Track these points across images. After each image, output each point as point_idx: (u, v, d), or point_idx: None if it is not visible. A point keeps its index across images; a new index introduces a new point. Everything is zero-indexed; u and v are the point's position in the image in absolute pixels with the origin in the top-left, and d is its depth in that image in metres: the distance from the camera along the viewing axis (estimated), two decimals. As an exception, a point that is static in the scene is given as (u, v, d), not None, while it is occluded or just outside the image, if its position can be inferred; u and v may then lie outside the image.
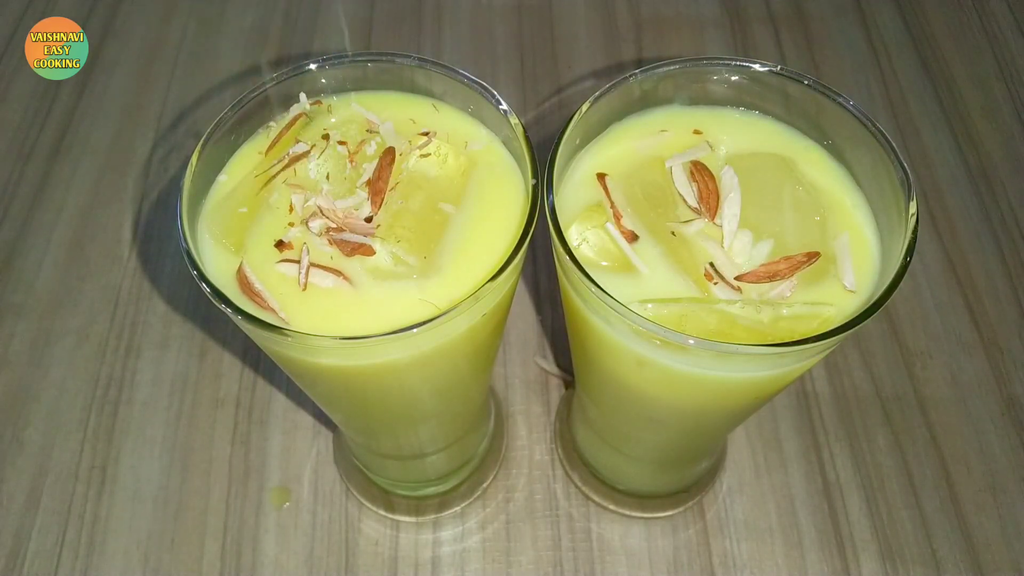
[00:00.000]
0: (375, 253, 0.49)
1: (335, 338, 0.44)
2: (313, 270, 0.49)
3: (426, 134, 0.54)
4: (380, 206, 0.51)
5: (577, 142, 0.55)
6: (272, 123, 0.57)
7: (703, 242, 0.50)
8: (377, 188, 0.51)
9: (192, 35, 1.14)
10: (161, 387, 0.84)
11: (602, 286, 0.45)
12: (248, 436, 0.81)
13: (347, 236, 0.49)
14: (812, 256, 0.49)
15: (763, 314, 0.47)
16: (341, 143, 0.54)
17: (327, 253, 0.50)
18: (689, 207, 0.52)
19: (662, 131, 0.57)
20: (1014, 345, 0.86)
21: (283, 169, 0.53)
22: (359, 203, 0.51)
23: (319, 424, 0.82)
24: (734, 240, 0.50)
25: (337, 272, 0.49)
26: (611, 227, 0.51)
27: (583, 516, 0.77)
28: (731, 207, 0.51)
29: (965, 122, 1.04)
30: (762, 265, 0.49)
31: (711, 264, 0.49)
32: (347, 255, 0.49)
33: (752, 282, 0.48)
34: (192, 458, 0.79)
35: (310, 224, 0.50)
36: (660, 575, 0.74)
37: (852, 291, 0.49)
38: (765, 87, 0.56)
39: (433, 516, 0.77)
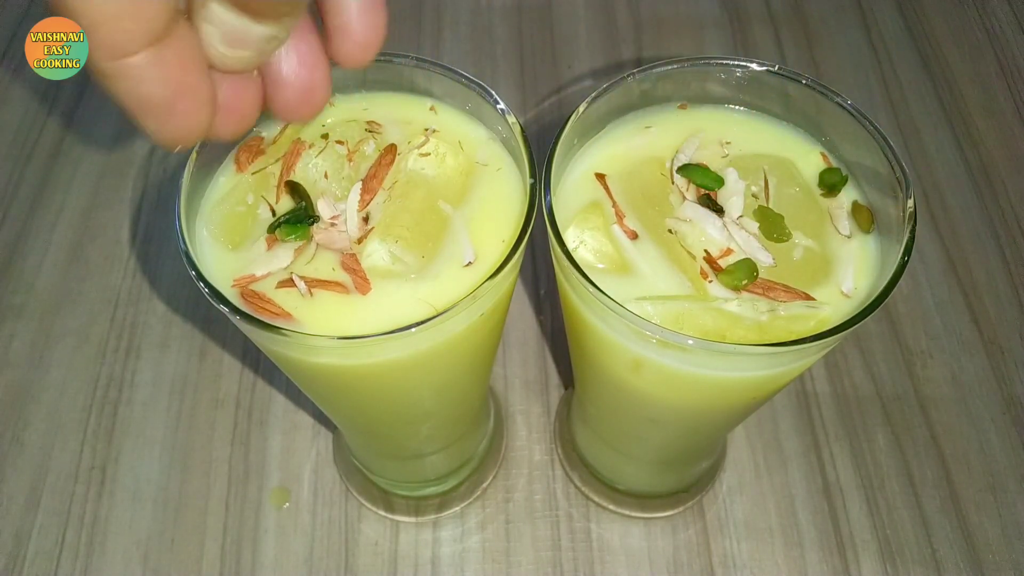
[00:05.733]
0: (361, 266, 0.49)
1: (333, 338, 0.44)
2: (316, 288, 0.49)
3: (425, 131, 0.55)
4: (368, 204, 0.51)
5: (575, 142, 0.55)
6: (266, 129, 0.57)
7: (701, 240, 0.50)
8: (370, 187, 0.51)
9: (192, 36, 1.14)
10: (161, 387, 0.84)
11: (600, 286, 0.45)
12: (248, 436, 0.81)
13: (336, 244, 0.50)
14: (811, 298, 0.49)
15: (759, 313, 0.47)
16: (339, 142, 0.54)
17: (328, 261, 0.50)
18: (688, 206, 0.52)
19: (647, 127, 0.57)
20: (1015, 344, 0.86)
21: (282, 168, 0.53)
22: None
23: (319, 424, 0.82)
24: (732, 241, 0.50)
25: (339, 286, 0.49)
26: (616, 228, 0.51)
27: (583, 516, 0.77)
28: (733, 208, 0.51)
29: (965, 121, 1.03)
30: (761, 279, 0.49)
31: (707, 261, 0.49)
32: (344, 269, 0.50)
33: (748, 290, 0.48)
34: (192, 458, 0.79)
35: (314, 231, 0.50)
36: (660, 575, 0.74)
37: (848, 296, 0.49)
38: (764, 86, 0.56)
39: (433, 516, 0.77)
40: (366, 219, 0.51)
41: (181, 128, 0.32)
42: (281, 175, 0.53)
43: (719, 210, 0.51)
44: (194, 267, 0.47)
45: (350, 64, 0.36)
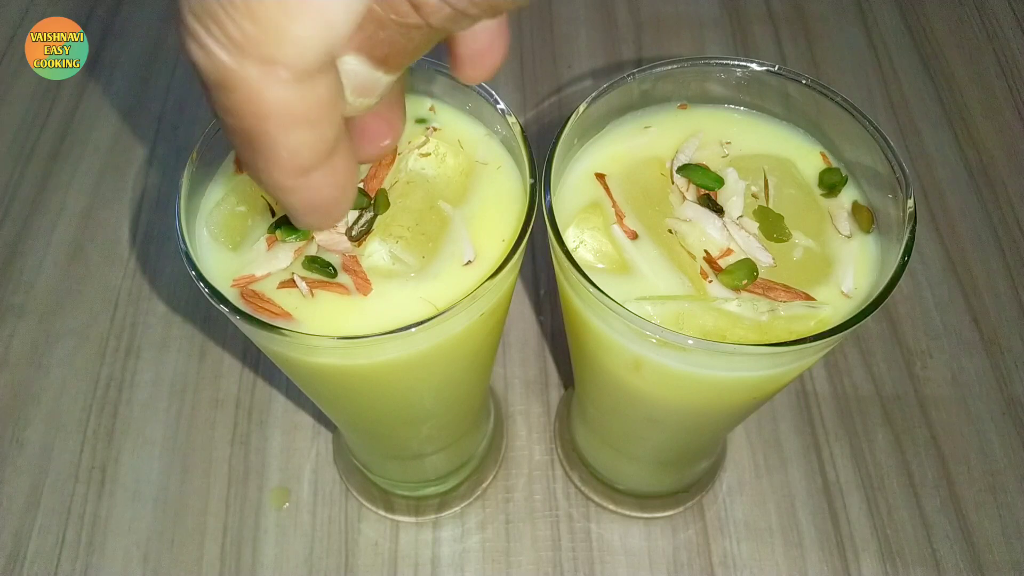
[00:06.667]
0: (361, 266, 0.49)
1: (333, 338, 0.44)
2: (317, 289, 0.49)
3: (425, 128, 0.55)
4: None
5: (575, 142, 0.55)
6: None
7: (701, 240, 0.50)
8: (370, 188, 0.51)
9: (192, 36, 1.14)
10: (161, 388, 0.84)
11: (600, 286, 0.45)
12: (248, 436, 0.81)
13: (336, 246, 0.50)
14: (811, 298, 0.49)
15: (759, 313, 0.47)
16: (339, 143, 0.54)
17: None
18: (688, 207, 0.52)
19: (646, 127, 0.57)
20: (1015, 344, 0.86)
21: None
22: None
23: (319, 424, 0.82)
24: (732, 241, 0.50)
25: (340, 287, 0.49)
26: (616, 228, 0.51)
27: (583, 516, 0.77)
28: (733, 208, 0.51)
29: (966, 121, 1.03)
30: (761, 279, 0.49)
31: (707, 261, 0.49)
32: (345, 270, 0.50)
33: (748, 290, 0.48)
34: (192, 458, 0.79)
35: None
36: (660, 575, 0.74)
37: (848, 296, 0.49)
38: (764, 86, 0.56)
39: (433, 516, 0.77)
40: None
41: (337, 216, 0.36)
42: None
43: (719, 210, 0.51)
44: (194, 267, 0.47)
45: (473, 82, 0.39)
